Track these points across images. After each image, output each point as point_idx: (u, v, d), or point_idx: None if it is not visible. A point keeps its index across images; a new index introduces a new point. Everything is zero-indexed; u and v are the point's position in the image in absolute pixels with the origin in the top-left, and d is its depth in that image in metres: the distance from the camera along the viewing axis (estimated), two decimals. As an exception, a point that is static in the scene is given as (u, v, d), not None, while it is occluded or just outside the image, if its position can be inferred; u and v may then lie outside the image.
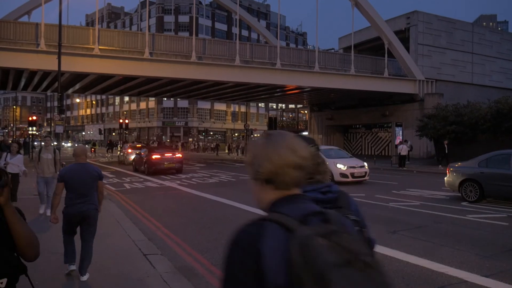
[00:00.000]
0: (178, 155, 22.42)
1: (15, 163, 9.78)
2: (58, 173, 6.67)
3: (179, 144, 56.89)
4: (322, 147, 19.03)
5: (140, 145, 31.79)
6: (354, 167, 16.53)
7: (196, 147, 57.13)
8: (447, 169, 12.85)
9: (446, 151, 24.23)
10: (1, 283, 1.78)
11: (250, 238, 1.11)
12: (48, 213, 8.85)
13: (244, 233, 1.14)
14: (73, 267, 5.20)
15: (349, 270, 1.01)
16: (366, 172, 16.78)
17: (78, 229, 5.31)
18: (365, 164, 17.29)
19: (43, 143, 12.94)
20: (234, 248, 1.13)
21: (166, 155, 21.65)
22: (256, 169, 1.24)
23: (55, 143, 16.64)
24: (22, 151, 32.40)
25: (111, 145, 41.95)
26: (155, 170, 20.70)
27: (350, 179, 16.15)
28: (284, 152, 1.20)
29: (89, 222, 5.16)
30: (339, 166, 16.30)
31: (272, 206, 1.21)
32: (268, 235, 1.09)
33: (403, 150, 25.19)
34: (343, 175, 16.12)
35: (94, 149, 42.36)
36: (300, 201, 1.22)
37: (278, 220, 1.12)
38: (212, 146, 55.90)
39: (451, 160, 21.20)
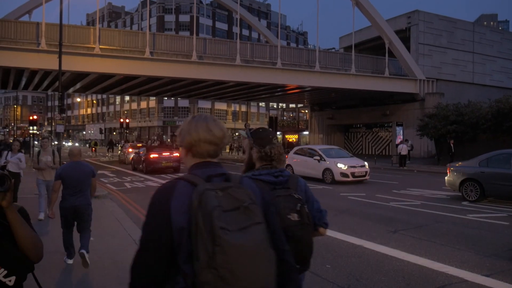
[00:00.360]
0: (176, 154, 22.51)
1: (16, 162, 9.44)
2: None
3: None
4: (323, 146, 18.61)
5: (140, 145, 31.81)
6: (354, 167, 16.48)
7: None
8: (448, 168, 12.82)
9: (453, 151, 24.04)
10: (10, 281, 1.79)
11: (164, 192, 1.54)
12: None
13: (161, 188, 1.58)
14: (70, 261, 5.66)
15: (235, 212, 1.44)
16: (366, 172, 16.76)
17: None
18: (366, 163, 17.25)
19: (37, 143, 13.49)
20: (152, 201, 1.56)
21: (163, 154, 21.77)
22: (181, 140, 1.68)
23: (56, 142, 16.36)
24: (23, 150, 32.29)
25: (111, 145, 42.01)
26: (153, 169, 20.87)
27: (351, 178, 16.12)
28: (201, 130, 1.63)
29: (83, 217, 5.63)
30: (340, 165, 16.29)
31: (190, 168, 1.65)
32: (177, 190, 1.52)
33: (403, 149, 25.16)
34: (343, 174, 16.10)
35: (95, 148, 42.39)
36: (210, 166, 1.64)
37: (187, 178, 1.56)
38: None
39: (453, 160, 21.24)
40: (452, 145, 24.18)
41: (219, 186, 1.50)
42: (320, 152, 17.30)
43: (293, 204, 2.13)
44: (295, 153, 18.91)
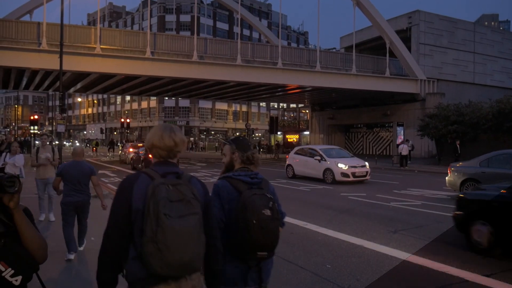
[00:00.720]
0: None
1: (14, 163, 8.93)
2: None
3: None
4: (324, 146, 18.54)
5: (141, 144, 31.83)
6: (355, 167, 16.48)
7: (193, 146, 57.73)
8: (448, 168, 12.81)
9: (459, 151, 23.70)
10: (16, 280, 1.82)
11: (129, 181, 2.04)
12: (52, 217, 8.64)
13: (127, 178, 2.08)
14: (71, 256, 5.86)
15: (179, 203, 1.90)
16: (367, 172, 16.74)
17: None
18: (366, 163, 17.24)
19: (38, 142, 13.49)
20: (120, 187, 2.05)
21: None
22: (145, 142, 2.22)
23: (57, 142, 16.13)
24: (25, 150, 32.02)
25: (112, 144, 42.07)
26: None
27: (351, 178, 16.10)
28: (156, 138, 2.12)
29: (83, 209, 6.23)
30: (340, 165, 16.29)
31: (152, 165, 2.13)
32: (139, 180, 2.01)
33: (404, 150, 25.18)
34: (344, 174, 16.10)
35: (96, 148, 42.53)
36: (168, 165, 2.11)
37: (147, 172, 2.04)
38: (201, 145, 56.87)
39: (452, 159, 21.19)
40: (458, 145, 23.93)
41: (170, 182, 1.96)
42: (320, 152, 17.28)
43: (266, 201, 2.49)
44: (296, 153, 18.86)
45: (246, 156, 2.70)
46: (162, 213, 1.85)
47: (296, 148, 19.84)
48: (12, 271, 1.78)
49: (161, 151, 2.11)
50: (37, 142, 34.02)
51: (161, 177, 1.99)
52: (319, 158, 17.00)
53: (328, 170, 16.46)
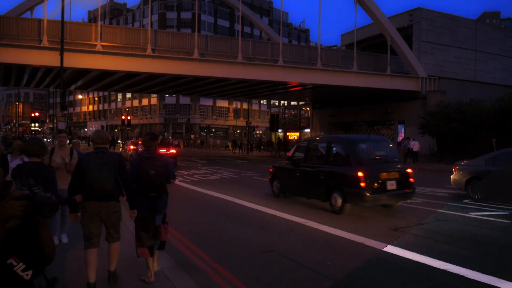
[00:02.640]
0: (172, 150, 23.14)
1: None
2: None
3: (180, 141, 57.11)
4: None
5: (141, 141, 31.85)
6: None
7: (190, 142, 57.92)
8: (454, 167, 12.67)
9: (495, 150, 22.44)
10: (27, 275, 1.87)
11: (81, 155, 5.66)
12: (64, 239, 6.75)
13: (80, 155, 6.10)
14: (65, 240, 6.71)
15: (100, 164, 4.45)
16: None
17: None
18: None
19: (56, 142, 9.48)
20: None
21: (160, 150, 22.12)
22: (91, 140, 4.83)
23: (72, 140, 12.98)
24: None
25: (113, 142, 42.20)
26: None
27: None
28: (95, 136, 4.73)
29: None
30: None
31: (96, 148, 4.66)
32: (85, 154, 5.13)
33: (415, 146, 26.31)
34: None
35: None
36: (100, 148, 4.65)
37: (92, 151, 4.74)
38: (198, 142, 57.01)
39: (452, 158, 21.13)
40: (494, 144, 21.23)
41: (98, 154, 4.54)
42: None
43: (154, 166, 4.93)
44: (296, 150, 18.55)
45: (145, 144, 5.19)
46: (90, 169, 4.40)
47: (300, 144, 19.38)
48: (24, 266, 1.81)
49: (92, 142, 4.71)
50: (46, 140, 33.97)
51: (95, 153, 4.59)
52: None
53: None
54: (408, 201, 10.41)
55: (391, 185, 9.32)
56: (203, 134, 62.11)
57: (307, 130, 48.01)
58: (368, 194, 9.01)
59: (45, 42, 21.70)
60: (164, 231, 5.15)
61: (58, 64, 18.53)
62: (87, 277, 4.51)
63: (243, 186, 15.31)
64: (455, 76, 32.99)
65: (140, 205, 4.83)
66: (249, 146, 46.09)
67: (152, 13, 63.40)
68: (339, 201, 9.43)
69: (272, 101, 71.00)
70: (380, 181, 9.24)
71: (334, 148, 10.65)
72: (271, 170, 12.65)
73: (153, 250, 5.03)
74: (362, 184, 9.03)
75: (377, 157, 10.07)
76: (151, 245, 4.98)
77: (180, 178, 17.77)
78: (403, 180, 9.61)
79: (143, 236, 4.95)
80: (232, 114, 71.55)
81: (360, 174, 9.12)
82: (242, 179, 17.24)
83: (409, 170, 9.98)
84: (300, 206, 10.51)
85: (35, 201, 1.91)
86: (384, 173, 9.45)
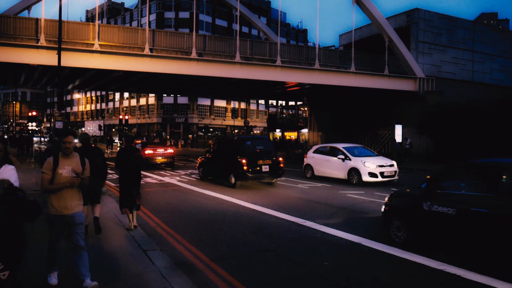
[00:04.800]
0: (170, 150, 23.37)
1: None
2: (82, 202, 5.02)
3: (178, 140, 57.06)
4: (346, 145, 16.91)
5: (139, 141, 31.85)
6: (383, 166, 15.30)
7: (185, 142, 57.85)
8: None
9: None
10: (4, 275, 1.83)
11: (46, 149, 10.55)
12: (89, 284, 4.72)
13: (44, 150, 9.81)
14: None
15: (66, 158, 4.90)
16: (396, 171, 15.58)
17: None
18: (394, 162, 16.09)
19: (50, 147, 10.31)
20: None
21: (158, 150, 22.90)
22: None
23: (56, 138, 12.99)
24: (24, 150, 31.11)
25: (110, 141, 42.20)
26: (148, 164, 21.64)
27: (380, 179, 14.96)
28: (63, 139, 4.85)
29: None
30: (368, 165, 15.13)
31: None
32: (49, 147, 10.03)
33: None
34: (372, 174, 14.96)
35: (94, 145, 42.56)
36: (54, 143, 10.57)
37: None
38: (182, 142, 57.14)
39: (450, 157, 21.17)
40: None
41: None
42: (344, 151, 16.05)
43: (131, 157, 8.10)
44: (315, 152, 17.76)
45: (126, 143, 8.28)
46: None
47: (315, 147, 18.48)
48: (2, 266, 1.79)
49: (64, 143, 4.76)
50: (35, 138, 33.33)
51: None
52: (343, 157, 15.81)
53: (353, 170, 15.30)
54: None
55: (265, 168, 14.50)
56: (200, 134, 62.07)
57: (305, 130, 48.04)
58: (248, 174, 14.21)
59: (42, 41, 21.63)
60: (138, 197, 8.08)
61: (56, 63, 18.46)
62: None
63: (240, 185, 15.31)
64: (452, 76, 33.07)
65: (124, 180, 7.99)
66: None
67: (150, 13, 63.30)
68: (233, 179, 14.64)
69: (270, 101, 71.05)
70: (257, 166, 14.37)
71: (231, 144, 15.84)
72: (198, 160, 18.21)
73: (132, 209, 7.91)
74: (245, 168, 14.19)
75: (257, 150, 14.99)
76: (131, 206, 7.90)
77: (178, 178, 17.76)
78: (275, 165, 14.80)
79: (126, 200, 7.89)
80: (230, 114, 71.52)
81: (243, 161, 14.23)
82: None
83: (280, 159, 15.23)
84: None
85: (16, 205, 1.91)
86: (260, 161, 14.53)
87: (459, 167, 7.24)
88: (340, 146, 16.69)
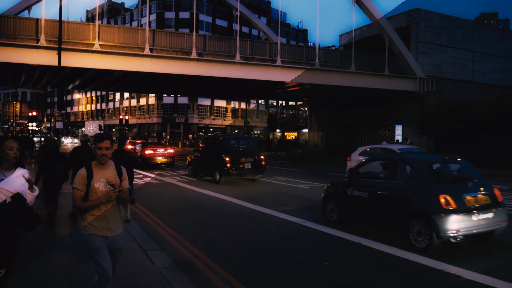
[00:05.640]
0: (170, 150, 23.49)
1: (12, 189, 3.46)
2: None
3: (177, 141, 57.10)
4: (399, 146, 15.48)
5: (140, 141, 31.89)
6: None
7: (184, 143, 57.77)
8: None
9: None
10: (0, 273, 1.87)
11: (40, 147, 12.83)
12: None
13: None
14: None
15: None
16: None
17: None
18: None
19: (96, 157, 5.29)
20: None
21: (158, 150, 23.10)
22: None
23: (55, 138, 13.84)
24: (26, 152, 31.19)
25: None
26: (148, 164, 21.86)
27: None
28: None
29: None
30: None
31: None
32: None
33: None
34: None
35: (94, 145, 42.78)
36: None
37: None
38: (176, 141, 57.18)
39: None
40: None
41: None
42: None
43: (124, 156, 8.29)
44: (362, 154, 15.72)
45: (119, 146, 8.88)
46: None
47: (360, 149, 16.60)
48: None
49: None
50: (35, 138, 33.21)
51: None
52: None
53: None
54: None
55: (248, 166, 15.52)
56: (201, 134, 62.04)
57: (305, 130, 48.04)
58: (232, 171, 15.27)
59: (42, 41, 21.63)
60: (132, 192, 7.42)
61: (56, 64, 18.45)
62: None
63: (240, 186, 15.32)
64: (452, 76, 33.04)
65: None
66: None
67: (150, 13, 63.23)
68: (218, 176, 15.71)
69: (270, 101, 70.99)
70: (240, 164, 15.36)
71: (216, 144, 17.18)
72: (188, 159, 19.05)
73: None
74: (228, 165, 15.26)
75: (240, 149, 15.92)
76: None
77: (178, 178, 17.76)
78: (257, 163, 15.82)
79: None
80: (230, 114, 71.50)
81: (227, 159, 15.24)
82: (239, 180, 17.21)
83: (262, 157, 16.39)
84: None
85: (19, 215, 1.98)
86: (243, 158, 15.50)
87: (371, 160, 8.94)
88: (395, 148, 14.76)
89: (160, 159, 22.55)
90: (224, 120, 69.75)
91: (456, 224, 6.29)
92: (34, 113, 37.35)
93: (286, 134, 54.79)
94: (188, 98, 63.21)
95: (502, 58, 36.27)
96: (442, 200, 6.37)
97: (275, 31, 38.78)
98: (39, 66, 23.82)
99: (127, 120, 47.75)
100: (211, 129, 66.26)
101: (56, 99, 63.66)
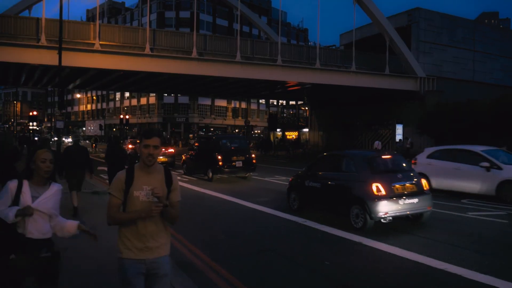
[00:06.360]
0: (171, 150, 23.53)
1: (46, 210, 3.09)
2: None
3: (178, 140, 57.07)
4: (484, 148, 12.89)
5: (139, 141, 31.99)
6: None
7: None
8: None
9: None
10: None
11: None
12: None
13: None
14: None
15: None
16: None
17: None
18: None
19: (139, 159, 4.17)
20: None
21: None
22: None
23: (55, 138, 14.49)
24: (24, 148, 31.29)
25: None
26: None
27: None
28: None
29: None
30: None
31: None
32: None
33: (378, 146, 28.65)
34: None
35: (95, 144, 43.26)
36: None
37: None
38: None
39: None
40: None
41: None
42: (488, 156, 11.87)
43: (118, 153, 11.18)
44: (432, 156, 13.57)
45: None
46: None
47: (429, 150, 14.29)
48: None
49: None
50: (36, 138, 33.04)
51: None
52: (487, 165, 11.54)
53: (508, 184, 11.08)
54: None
55: (239, 164, 16.25)
56: (201, 133, 62.04)
57: (306, 130, 48.04)
58: (224, 169, 15.98)
59: (43, 41, 21.61)
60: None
61: (56, 63, 18.44)
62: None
63: (241, 185, 15.32)
64: (453, 76, 33.01)
65: (111, 170, 10.08)
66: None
67: (150, 12, 63.16)
68: (210, 174, 16.50)
69: (271, 100, 70.92)
70: (231, 162, 16.09)
71: (209, 143, 18.14)
72: (183, 157, 19.77)
73: None
74: (220, 163, 15.99)
75: (232, 148, 16.80)
76: None
77: (178, 178, 17.76)
78: (248, 161, 16.57)
79: None
80: (231, 113, 71.49)
81: (219, 157, 15.94)
82: (239, 179, 17.23)
83: (253, 156, 17.19)
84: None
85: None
86: (234, 157, 16.22)
87: (323, 156, 10.58)
88: (478, 149, 12.63)
89: (160, 158, 22.60)
90: (225, 119, 69.75)
91: (385, 207, 7.62)
92: (35, 113, 37.42)
93: (286, 133, 54.76)
94: (189, 97, 63.20)
95: (502, 58, 36.23)
96: (374, 188, 7.72)
97: (275, 31, 38.78)
98: (40, 65, 23.83)
99: (127, 120, 47.83)
100: (212, 129, 66.29)
101: (56, 99, 63.68)
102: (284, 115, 59.86)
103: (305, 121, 49.35)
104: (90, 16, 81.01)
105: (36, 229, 3.05)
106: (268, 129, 49.28)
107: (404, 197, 7.83)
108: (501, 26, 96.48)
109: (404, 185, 8.04)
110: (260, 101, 74.32)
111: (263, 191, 13.98)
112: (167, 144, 31.67)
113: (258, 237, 7.83)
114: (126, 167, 4.80)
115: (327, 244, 7.20)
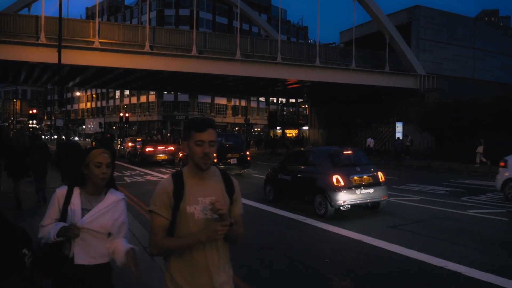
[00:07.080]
0: (170, 148, 23.73)
1: (101, 228, 2.42)
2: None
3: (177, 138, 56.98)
4: None
5: (140, 139, 31.92)
6: None
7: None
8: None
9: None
10: (28, 259, 2.15)
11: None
12: None
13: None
14: None
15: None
16: None
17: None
18: None
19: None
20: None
21: (159, 147, 23.48)
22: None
23: (55, 136, 14.63)
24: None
25: (111, 139, 42.30)
26: (149, 161, 22.34)
27: None
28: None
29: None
30: None
31: None
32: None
33: (371, 143, 30.07)
34: None
35: (95, 143, 42.99)
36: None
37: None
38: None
39: (451, 155, 21.11)
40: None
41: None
42: None
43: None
44: None
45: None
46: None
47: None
48: (30, 253, 2.14)
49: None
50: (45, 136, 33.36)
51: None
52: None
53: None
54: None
55: (234, 161, 16.69)
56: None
57: (306, 128, 48.04)
58: (218, 166, 15.55)
59: (42, 39, 21.58)
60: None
61: (56, 61, 18.44)
62: None
63: (241, 183, 15.31)
64: (453, 74, 32.97)
65: None
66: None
67: (150, 10, 62.89)
68: None
69: (271, 98, 70.96)
70: (226, 159, 16.50)
71: None
72: (180, 154, 19.98)
73: None
74: (215, 160, 15.55)
75: (227, 145, 16.96)
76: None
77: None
78: (242, 158, 16.98)
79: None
80: (231, 111, 71.48)
81: (214, 154, 16.04)
82: (240, 177, 17.24)
83: (247, 153, 17.55)
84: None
85: None
86: (229, 154, 16.69)
87: (294, 152, 11.90)
88: None
89: (160, 156, 22.97)
90: (225, 117, 69.73)
91: (343, 197, 8.60)
92: (35, 111, 37.46)
93: (286, 131, 54.77)
94: (189, 95, 63.15)
95: (503, 56, 36.19)
96: (334, 180, 8.70)
97: (275, 28, 38.72)
98: (39, 63, 23.80)
99: (127, 118, 47.79)
100: (212, 127, 66.17)
101: (56, 97, 63.65)
102: (284, 113, 59.90)
103: (305, 119, 49.38)
104: (90, 14, 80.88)
105: (86, 252, 2.38)
106: (268, 127, 49.29)
107: (361, 188, 8.78)
108: (501, 24, 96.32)
109: (362, 177, 8.98)
110: (260, 99, 74.28)
111: (256, 186, 13.97)
112: (171, 141, 31.78)
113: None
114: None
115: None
